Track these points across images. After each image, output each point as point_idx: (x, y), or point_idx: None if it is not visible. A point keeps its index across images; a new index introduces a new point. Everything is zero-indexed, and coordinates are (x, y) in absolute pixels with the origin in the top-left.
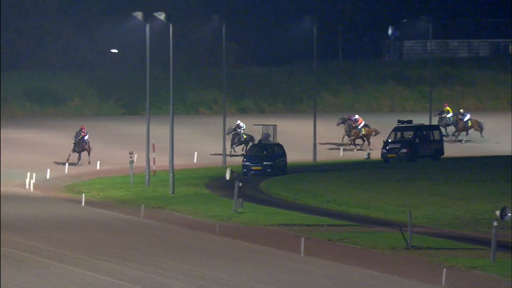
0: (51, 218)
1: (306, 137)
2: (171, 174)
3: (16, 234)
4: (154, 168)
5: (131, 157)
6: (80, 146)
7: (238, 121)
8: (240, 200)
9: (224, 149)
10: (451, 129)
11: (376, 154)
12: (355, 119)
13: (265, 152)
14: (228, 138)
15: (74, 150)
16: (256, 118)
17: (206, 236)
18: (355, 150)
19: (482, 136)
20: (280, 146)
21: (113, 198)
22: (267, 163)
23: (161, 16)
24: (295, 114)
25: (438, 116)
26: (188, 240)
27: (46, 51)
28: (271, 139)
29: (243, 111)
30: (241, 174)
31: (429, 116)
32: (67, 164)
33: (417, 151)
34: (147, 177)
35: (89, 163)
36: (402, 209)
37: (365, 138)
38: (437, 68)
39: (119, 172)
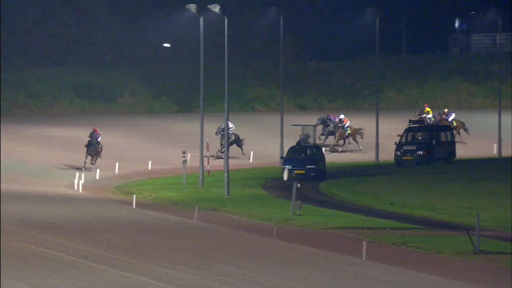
0: (101, 220)
1: (368, 136)
2: (225, 174)
3: (63, 237)
4: (208, 168)
5: (184, 156)
6: (94, 148)
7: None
8: (299, 201)
9: (282, 148)
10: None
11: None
12: (341, 119)
13: (303, 155)
14: (288, 137)
15: (88, 153)
16: (315, 115)
17: (262, 240)
18: (340, 150)
19: (467, 134)
20: (319, 148)
21: (165, 199)
22: (310, 166)
23: (216, 8)
24: (357, 111)
25: (418, 117)
26: (243, 243)
27: (95, 45)
28: (310, 140)
29: (301, 108)
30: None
31: (498, 114)
32: (83, 168)
33: (433, 153)
34: (200, 178)
35: (90, 166)
36: (469, 211)
37: (351, 139)
38: (507, 63)
39: (171, 172)
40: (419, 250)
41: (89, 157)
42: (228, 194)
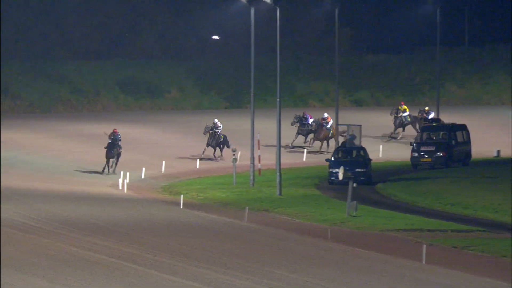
0: (147, 221)
1: None
2: (277, 174)
3: (108, 239)
4: (259, 166)
5: (234, 154)
6: (115, 151)
7: (216, 120)
8: (355, 202)
9: (337, 145)
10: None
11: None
12: (324, 117)
13: (349, 157)
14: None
15: (107, 157)
16: (372, 112)
17: (316, 242)
18: (318, 153)
19: None
20: (365, 150)
21: (214, 199)
22: (360, 170)
23: None
24: (416, 107)
25: (394, 116)
26: (296, 246)
27: (141, 38)
28: (356, 141)
29: (357, 104)
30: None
31: None
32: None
33: (452, 154)
34: (251, 177)
35: (112, 171)
36: None
37: (333, 139)
38: None
39: (220, 171)
40: (483, 254)
41: (110, 161)
42: (280, 194)
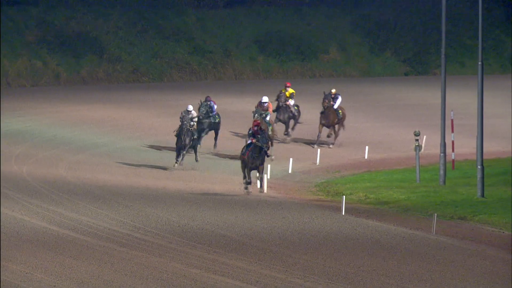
0: (295, 233)
1: None
2: (479, 167)
3: (243, 258)
4: (453, 157)
5: (417, 140)
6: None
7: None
8: None
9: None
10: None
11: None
12: (263, 102)
13: None
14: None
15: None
16: None
17: None
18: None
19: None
20: None
21: (390, 203)
22: None
23: None
24: None
25: (277, 101)
26: (505, 268)
27: None
28: None
29: None
30: None
31: None
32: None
33: None
34: (441, 172)
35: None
36: None
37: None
38: None
39: (398, 163)
40: None
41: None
42: (482, 195)
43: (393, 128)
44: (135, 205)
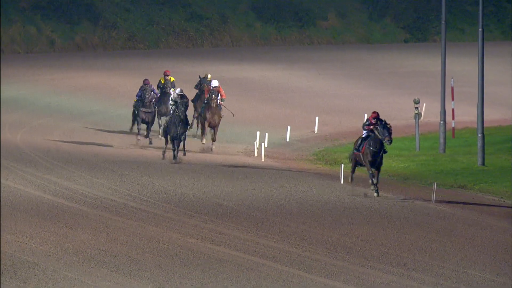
0: (293, 202)
1: None
2: (479, 135)
3: (240, 227)
4: (453, 125)
5: (416, 108)
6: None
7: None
8: None
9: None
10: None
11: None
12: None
13: None
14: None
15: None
16: None
17: None
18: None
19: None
20: None
21: (389, 171)
22: None
23: None
24: None
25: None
26: (506, 238)
27: None
28: None
29: None
30: None
31: None
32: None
33: None
34: (441, 140)
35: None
36: None
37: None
38: None
39: (397, 131)
40: None
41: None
42: (483, 164)
43: (392, 96)
44: (130, 173)
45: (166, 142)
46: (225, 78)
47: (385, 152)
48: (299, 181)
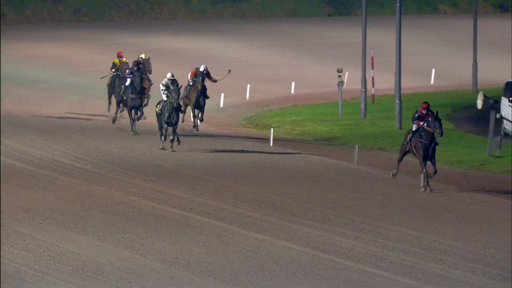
0: (226, 163)
1: None
2: (397, 101)
3: (177, 186)
4: (373, 92)
5: (340, 76)
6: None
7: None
8: (498, 138)
9: (475, 65)
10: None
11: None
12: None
13: None
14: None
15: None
16: None
17: (447, 190)
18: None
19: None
20: None
21: (314, 135)
22: None
23: None
24: None
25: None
26: (421, 195)
27: None
28: None
29: (502, 9)
30: (498, 101)
31: None
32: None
33: None
34: (362, 106)
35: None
36: None
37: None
38: None
39: (322, 98)
40: None
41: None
42: (400, 128)
43: (317, 65)
44: (77, 137)
45: (161, 129)
46: (164, 49)
47: (436, 144)
48: (232, 144)
